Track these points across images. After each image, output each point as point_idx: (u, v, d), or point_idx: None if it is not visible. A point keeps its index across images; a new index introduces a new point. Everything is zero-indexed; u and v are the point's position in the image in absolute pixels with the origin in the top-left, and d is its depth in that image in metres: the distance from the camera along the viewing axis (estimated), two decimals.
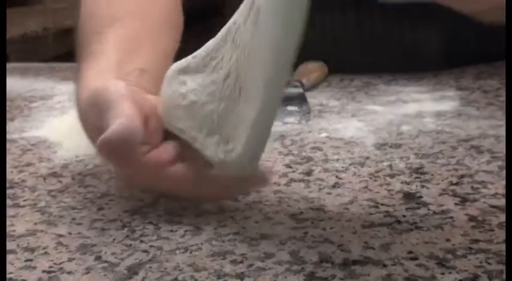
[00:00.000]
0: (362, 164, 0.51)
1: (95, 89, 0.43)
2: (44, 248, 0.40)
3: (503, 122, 0.60)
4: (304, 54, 0.80)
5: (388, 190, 0.46)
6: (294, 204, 0.45)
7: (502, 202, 0.44)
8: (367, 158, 0.53)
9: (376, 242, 0.39)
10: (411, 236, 0.39)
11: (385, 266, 0.36)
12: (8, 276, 0.37)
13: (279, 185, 0.48)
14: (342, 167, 0.51)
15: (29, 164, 0.55)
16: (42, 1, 2.52)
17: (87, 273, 0.37)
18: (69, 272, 0.37)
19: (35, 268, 0.38)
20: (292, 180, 0.49)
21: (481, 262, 0.36)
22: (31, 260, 0.39)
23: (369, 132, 0.59)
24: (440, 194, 0.45)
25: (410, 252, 0.38)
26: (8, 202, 0.47)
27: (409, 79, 0.77)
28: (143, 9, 0.56)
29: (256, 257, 0.38)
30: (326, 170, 0.51)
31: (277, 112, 0.39)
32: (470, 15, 0.72)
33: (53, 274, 0.37)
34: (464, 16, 0.79)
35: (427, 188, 0.47)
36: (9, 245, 0.41)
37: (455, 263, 0.36)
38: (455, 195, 0.45)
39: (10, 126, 0.66)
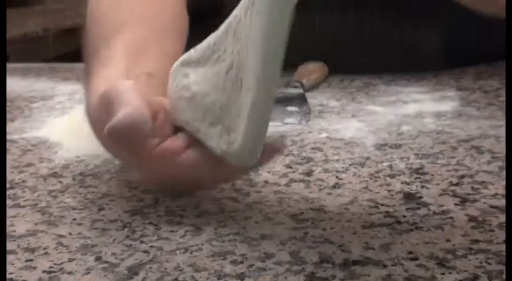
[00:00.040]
0: (362, 165, 0.51)
1: (104, 90, 0.43)
2: (45, 248, 0.40)
3: (503, 123, 0.60)
4: (304, 55, 0.81)
5: (388, 190, 0.46)
6: (294, 204, 0.45)
7: (502, 202, 0.44)
8: (367, 158, 0.53)
9: (376, 242, 0.39)
10: (411, 237, 0.39)
11: (385, 266, 0.36)
12: (8, 276, 0.37)
13: (279, 185, 0.48)
14: (342, 167, 0.51)
15: (29, 165, 0.55)
16: (42, 1, 2.52)
17: (88, 273, 0.37)
18: (70, 273, 0.37)
19: (35, 268, 0.38)
20: (292, 180, 0.49)
21: (481, 262, 0.36)
22: (31, 260, 0.39)
23: (369, 132, 0.59)
24: (441, 195, 0.45)
25: (410, 252, 0.38)
26: (9, 202, 0.47)
27: (409, 79, 0.77)
28: (149, 14, 0.56)
29: (256, 258, 0.38)
30: (326, 171, 0.51)
31: (274, 102, 0.39)
32: (471, 7, 0.72)
33: (53, 274, 0.37)
34: (465, 16, 0.79)
35: (427, 188, 0.47)
36: (10, 245, 0.41)
37: (455, 264, 0.36)
38: (455, 195, 0.45)
39: (10, 126, 0.66)
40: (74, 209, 0.46)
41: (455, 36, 0.80)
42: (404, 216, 0.42)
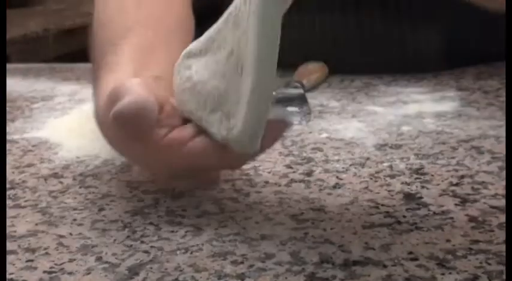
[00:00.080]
0: (362, 165, 0.52)
1: (112, 87, 0.44)
2: (45, 248, 0.40)
3: (503, 123, 0.60)
4: (304, 55, 0.81)
5: (389, 191, 0.46)
6: (295, 205, 0.45)
7: (502, 202, 0.44)
8: (368, 158, 0.53)
9: (377, 242, 0.39)
10: (411, 237, 0.40)
11: (385, 266, 0.36)
12: (9, 276, 0.37)
13: (280, 185, 0.48)
14: (343, 167, 0.51)
15: (29, 165, 0.55)
16: (42, 2, 2.52)
17: (88, 274, 0.37)
18: (70, 273, 0.37)
19: (35, 268, 0.38)
20: (292, 181, 0.49)
21: (481, 263, 0.36)
22: (32, 260, 0.39)
23: (369, 133, 0.59)
24: (441, 195, 0.45)
25: (410, 253, 0.38)
26: (9, 202, 0.47)
27: (409, 80, 0.77)
28: (155, 18, 0.56)
29: (256, 258, 0.38)
30: (326, 171, 0.51)
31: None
32: (474, 2, 0.71)
33: (53, 274, 0.37)
34: (465, 16, 0.80)
35: (427, 188, 0.47)
36: (10, 245, 0.41)
37: (455, 264, 0.36)
38: (455, 196, 0.45)
39: (11, 127, 0.66)
40: (75, 209, 0.46)
41: (455, 36, 0.80)
42: (404, 216, 0.42)
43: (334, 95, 0.72)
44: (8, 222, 0.44)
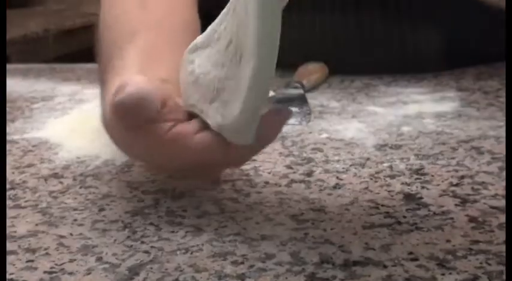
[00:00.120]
0: (362, 165, 0.52)
1: (117, 86, 0.44)
2: (45, 249, 0.40)
3: (503, 123, 0.60)
4: (304, 55, 0.81)
5: (389, 191, 0.46)
6: (295, 205, 0.45)
7: (502, 202, 0.44)
8: (368, 159, 0.53)
9: (377, 243, 0.39)
10: (411, 237, 0.40)
11: (385, 267, 0.36)
12: (9, 277, 0.37)
13: (280, 186, 0.48)
14: (343, 168, 0.51)
15: (30, 165, 0.55)
16: (42, 2, 2.52)
17: (89, 274, 0.37)
18: (71, 273, 0.37)
19: (36, 268, 0.38)
20: (292, 181, 0.49)
21: (481, 263, 0.36)
22: (32, 261, 0.39)
23: (370, 133, 0.59)
24: (441, 195, 0.45)
25: (410, 253, 0.38)
26: (9, 203, 0.47)
27: (409, 80, 0.77)
28: (161, 20, 0.56)
29: (257, 258, 0.38)
30: (327, 171, 0.51)
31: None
32: None
33: (54, 274, 0.37)
34: (465, 16, 0.80)
35: (428, 189, 0.47)
36: (11, 246, 0.41)
37: (455, 264, 0.36)
38: (455, 196, 0.45)
39: (11, 127, 0.66)
40: (75, 209, 0.46)
41: (455, 36, 0.80)
42: (404, 217, 0.42)
43: (334, 96, 0.73)
44: (8, 222, 0.44)
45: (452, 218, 0.42)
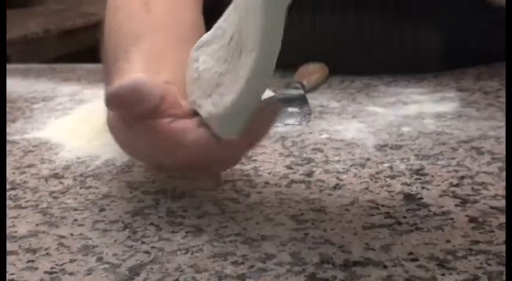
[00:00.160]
0: (363, 166, 0.52)
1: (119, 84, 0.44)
2: (46, 249, 0.40)
3: (503, 123, 0.60)
4: (304, 55, 0.81)
5: (389, 191, 0.47)
6: (295, 205, 0.45)
7: (502, 203, 0.44)
8: (368, 159, 0.53)
9: (377, 243, 0.39)
10: (411, 238, 0.40)
11: (385, 267, 0.36)
12: (10, 277, 0.37)
13: (280, 186, 0.48)
14: (343, 168, 0.51)
15: (30, 166, 0.55)
16: (43, 2, 2.52)
17: (89, 274, 0.37)
18: (71, 273, 0.37)
19: (36, 269, 0.38)
20: (293, 181, 0.49)
21: (481, 263, 0.36)
22: (33, 261, 0.39)
23: (370, 133, 0.59)
24: (441, 196, 0.45)
25: (410, 253, 0.38)
26: (10, 203, 0.47)
27: (409, 80, 0.77)
28: (165, 23, 0.56)
29: (257, 259, 0.38)
30: (327, 172, 0.51)
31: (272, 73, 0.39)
32: None
33: (54, 275, 0.37)
34: (465, 16, 0.80)
35: (428, 189, 0.47)
36: (11, 246, 0.41)
37: (455, 265, 0.36)
38: (455, 196, 0.45)
39: (12, 127, 0.66)
40: (75, 210, 0.46)
41: (455, 36, 0.80)
42: (404, 217, 0.42)
43: (334, 96, 0.73)
44: (9, 222, 0.44)
45: (452, 219, 0.42)
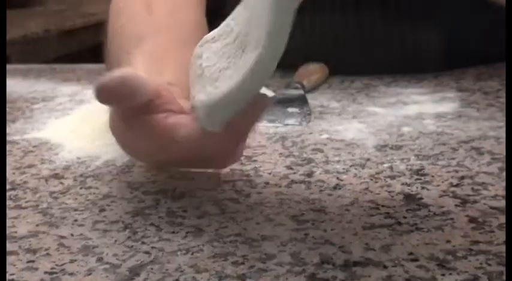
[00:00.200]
0: (363, 166, 0.52)
1: None
2: (46, 249, 0.40)
3: (503, 124, 0.60)
4: (304, 56, 0.81)
5: (389, 192, 0.47)
6: (295, 205, 0.45)
7: (502, 203, 0.44)
8: (368, 159, 0.53)
9: (377, 243, 0.39)
10: (412, 238, 0.40)
11: (385, 267, 0.36)
12: (10, 277, 0.37)
13: (280, 186, 0.48)
14: (343, 168, 0.51)
15: (30, 166, 0.55)
16: (43, 3, 2.52)
17: (89, 274, 0.37)
18: (71, 274, 0.37)
19: (36, 269, 0.38)
20: (293, 182, 0.49)
21: (481, 263, 0.36)
22: (33, 261, 0.39)
23: (370, 133, 0.59)
24: (441, 196, 0.45)
25: (410, 253, 0.38)
26: (10, 203, 0.47)
27: (409, 81, 0.77)
28: (168, 25, 0.56)
29: (257, 259, 0.38)
30: (327, 172, 0.51)
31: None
32: None
33: (54, 275, 0.37)
34: (465, 17, 0.80)
35: (428, 189, 0.47)
36: (11, 246, 0.41)
37: (455, 265, 0.36)
38: (455, 196, 0.45)
39: (12, 127, 0.66)
40: (75, 210, 0.46)
41: (455, 36, 0.80)
42: (404, 217, 0.42)
43: (334, 96, 0.73)
44: (9, 223, 0.44)
45: (452, 219, 0.42)
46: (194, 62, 0.45)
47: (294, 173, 0.51)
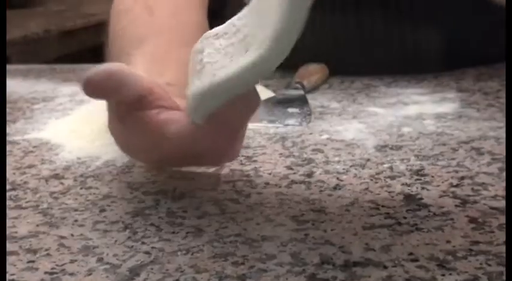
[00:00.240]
0: (363, 166, 0.52)
1: None
2: (46, 249, 0.40)
3: (503, 124, 0.60)
4: (304, 56, 0.81)
5: (389, 192, 0.47)
6: (295, 206, 0.45)
7: (502, 203, 0.44)
8: (368, 160, 0.53)
9: (377, 243, 0.39)
10: (412, 238, 0.40)
11: (385, 267, 0.36)
12: (10, 277, 0.37)
13: (280, 187, 0.48)
14: (343, 169, 0.51)
15: (31, 166, 0.55)
16: (43, 3, 2.52)
17: (89, 275, 0.37)
18: (71, 274, 0.37)
19: (37, 269, 0.38)
20: (293, 182, 0.49)
21: (481, 264, 0.36)
22: (33, 261, 0.39)
23: (370, 134, 0.59)
24: (441, 196, 0.46)
25: (410, 253, 0.38)
26: (10, 203, 0.47)
27: (409, 81, 0.77)
28: (169, 24, 0.56)
29: (257, 259, 0.38)
30: (327, 172, 0.51)
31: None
32: None
33: (55, 275, 0.37)
34: (465, 17, 0.80)
35: (428, 189, 0.47)
36: (12, 246, 0.41)
37: (455, 265, 0.36)
38: (455, 197, 0.45)
39: (12, 128, 0.66)
40: (76, 210, 0.46)
41: (455, 37, 0.80)
42: (404, 217, 0.42)
43: (334, 96, 0.73)
44: (9, 223, 0.44)
45: (452, 219, 0.42)
46: (194, 56, 0.44)
47: (294, 173, 0.51)
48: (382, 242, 0.39)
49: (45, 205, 0.47)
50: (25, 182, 0.51)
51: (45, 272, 0.38)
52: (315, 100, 0.71)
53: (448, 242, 0.39)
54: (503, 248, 0.38)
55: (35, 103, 0.76)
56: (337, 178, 0.49)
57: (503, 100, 0.68)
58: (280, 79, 0.77)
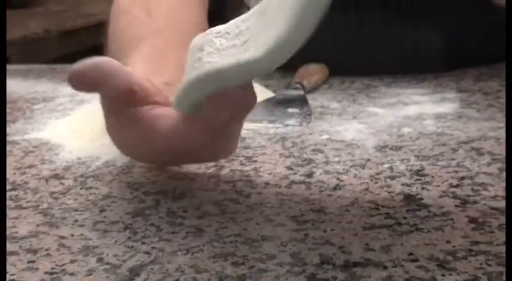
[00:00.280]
0: (363, 166, 0.52)
1: None
2: (46, 249, 0.40)
3: (503, 124, 0.60)
4: (304, 56, 0.81)
5: (389, 192, 0.47)
6: (295, 206, 0.45)
7: (502, 203, 0.44)
8: (368, 160, 0.53)
9: (377, 244, 0.39)
10: (412, 238, 0.40)
11: (385, 268, 0.36)
12: (10, 277, 0.37)
13: (280, 187, 0.48)
14: (343, 169, 0.51)
15: (31, 166, 0.55)
16: (43, 3, 2.52)
17: (89, 275, 0.37)
18: (72, 274, 0.37)
19: (37, 269, 0.38)
20: (293, 182, 0.49)
21: (481, 264, 0.36)
22: (33, 261, 0.39)
23: (370, 134, 0.59)
24: (441, 196, 0.46)
25: (410, 254, 0.38)
26: (11, 203, 0.48)
27: (409, 81, 0.77)
28: (167, 25, 0.57)
29: (257, 259, 0.38)
30: (327, 172, 0.51)
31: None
32: None
33: (55, 275, 0.37)
34: (466, 17, 0.80)
35: (428, 190, 0.47)
36: (12, 246, 0.41)
37: (455, 265, 0.36)
38: (455, 197, 0.45)
39: (12, 128, 0.66)
40: (76, 210, 0.46)
41: (455, 37, 0.80)
42: (404, 218, 0.42)
43: (334, 97, 0.73)
44: (10, 223, 0.44)
45: (452, 219, 0.42)
46: (193, 52, 0.44)
47: (294, 173, 0.51)
48: (382, 242, 0.39)
49: (45, 205, 0.47)
50: (25, 182, 0.51)
51: (45, 272, 0.38)
52: (315, 100, 0.71)
53: (448, 242, 0.39)
54: (503, 249, 0.38)
55: (35, 103, 0.76)
56: (337, 178, 0.49)
57: (503, 100, 0.68)
58: (280, 79, 0.77)
